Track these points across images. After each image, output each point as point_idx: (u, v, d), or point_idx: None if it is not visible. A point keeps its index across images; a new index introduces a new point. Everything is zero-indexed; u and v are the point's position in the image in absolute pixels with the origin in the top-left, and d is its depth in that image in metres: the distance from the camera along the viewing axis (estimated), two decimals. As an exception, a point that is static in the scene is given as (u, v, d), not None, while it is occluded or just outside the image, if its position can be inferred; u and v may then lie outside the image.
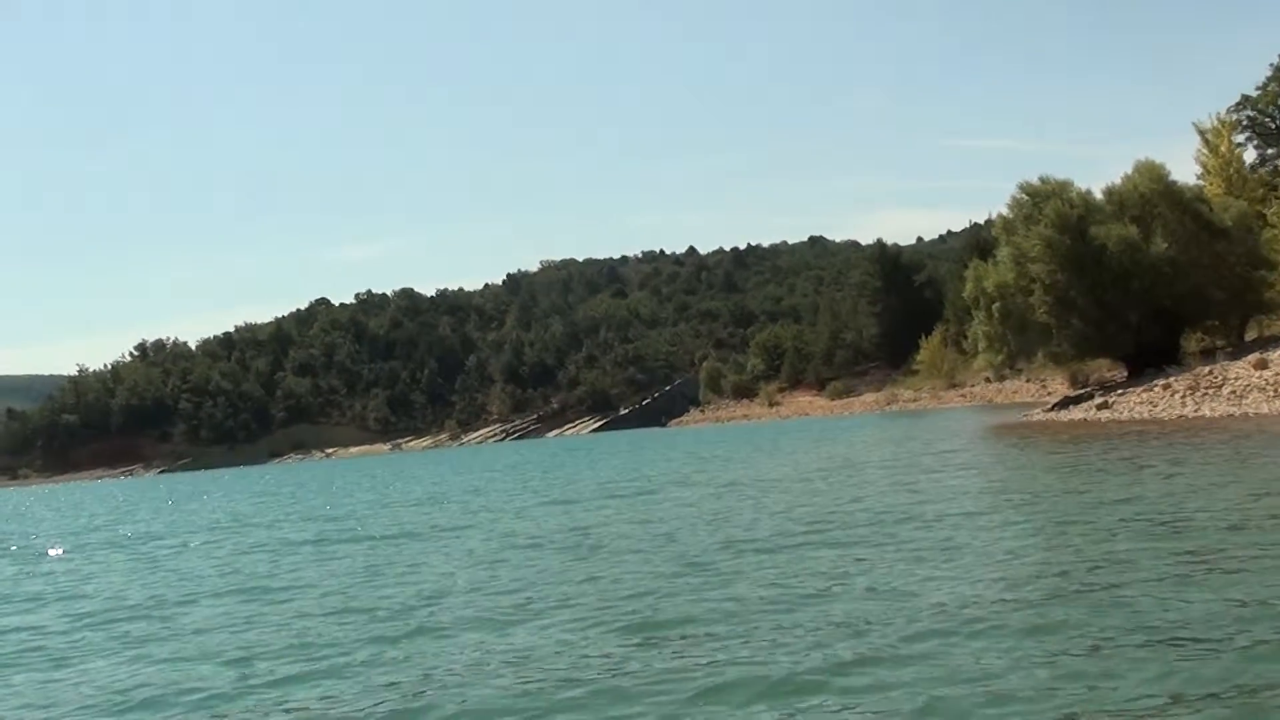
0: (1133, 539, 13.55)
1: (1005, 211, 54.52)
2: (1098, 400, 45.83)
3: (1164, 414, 38.27)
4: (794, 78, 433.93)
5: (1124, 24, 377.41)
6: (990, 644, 9.15)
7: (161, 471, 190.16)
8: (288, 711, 9.28)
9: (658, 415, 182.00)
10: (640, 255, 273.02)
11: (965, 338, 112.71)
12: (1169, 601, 9.98)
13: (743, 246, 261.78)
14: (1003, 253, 52.59)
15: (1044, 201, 51.58)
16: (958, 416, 73.84)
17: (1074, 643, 8.94)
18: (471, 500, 34.00)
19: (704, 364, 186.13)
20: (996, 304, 51.42)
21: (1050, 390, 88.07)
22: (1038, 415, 50.53)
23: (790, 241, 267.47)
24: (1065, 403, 51.18)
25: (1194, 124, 64.59)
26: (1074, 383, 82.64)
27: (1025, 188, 53.14)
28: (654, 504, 25.81)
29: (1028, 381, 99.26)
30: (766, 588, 12.51)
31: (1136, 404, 41.53)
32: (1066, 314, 50.16)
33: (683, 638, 10.42)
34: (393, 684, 9.72)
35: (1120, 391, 46.01)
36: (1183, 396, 39.44)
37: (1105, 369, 68.96)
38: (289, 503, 44.49)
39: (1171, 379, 42.82)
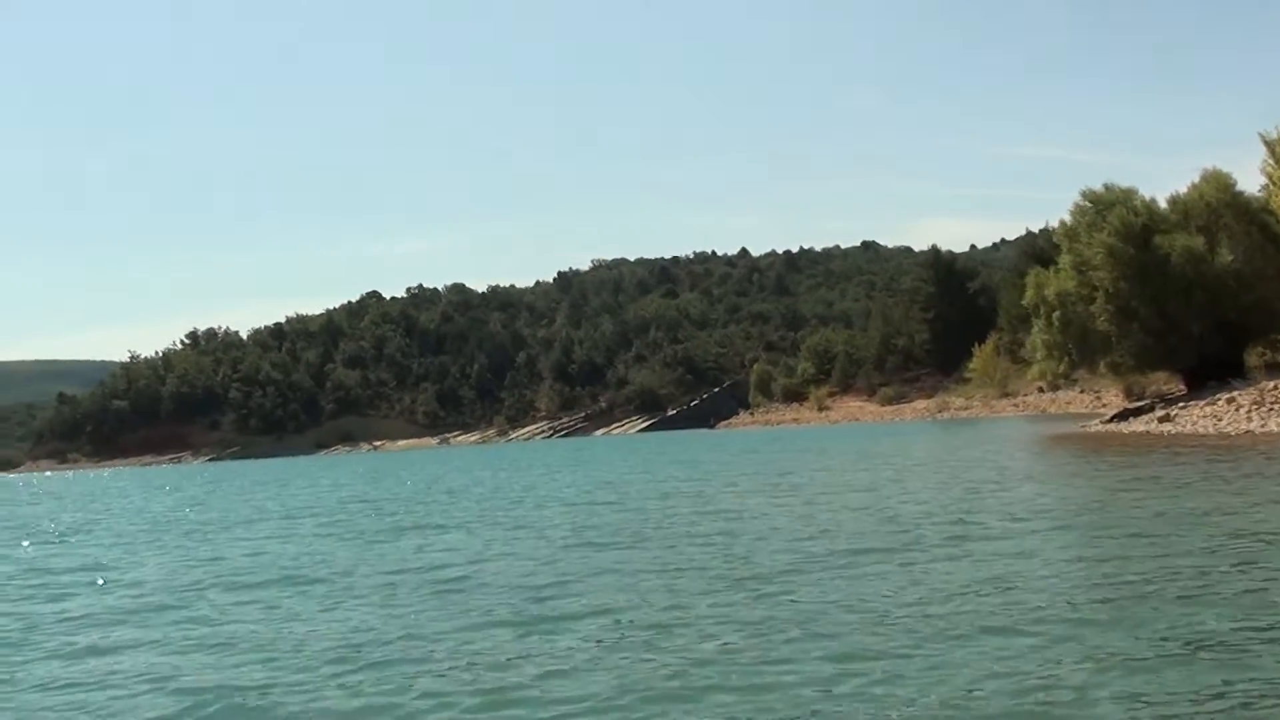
0: (1221, 556, 13.00)
1: (1067, 219, 53.60)
2: (1159, 413, 44.94)
3: (1229, 429, 37.32)
4: (854, 81, 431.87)
5: (1184, 39, 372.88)
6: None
7: (210, 459, 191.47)
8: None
9: (706, 417, 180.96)
10: (692, 255, 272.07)
11: (1019, 346, 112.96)
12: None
13: (795, 249, 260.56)
14: (1064, 260, 51.74)
15: (1107, 209, 50.68)
16: (1013, 426, 72.77)
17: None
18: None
19: (754, 366, 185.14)
20: (1057, 312, 50.60)
21: (1105, 402, 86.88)
22: (1096, 427, 49.65)
23: (843, 246, 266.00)
24: (1125, 415, 50.25)
25: (1260, 134, 63.00)
26: (1129, 395, 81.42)
27: (1088, 195, 52.23)
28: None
29: (1081, 393, 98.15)
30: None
31: (1200, 418, 40.61)
32: (1128, 323, 49.25)
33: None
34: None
35: (1181, 405, 45.08)
36: (1248, 411, 38.50)
37: (1161, 382, 67.86)
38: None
39: (1235, 393, 41.86)
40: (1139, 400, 70.39)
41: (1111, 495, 21.08)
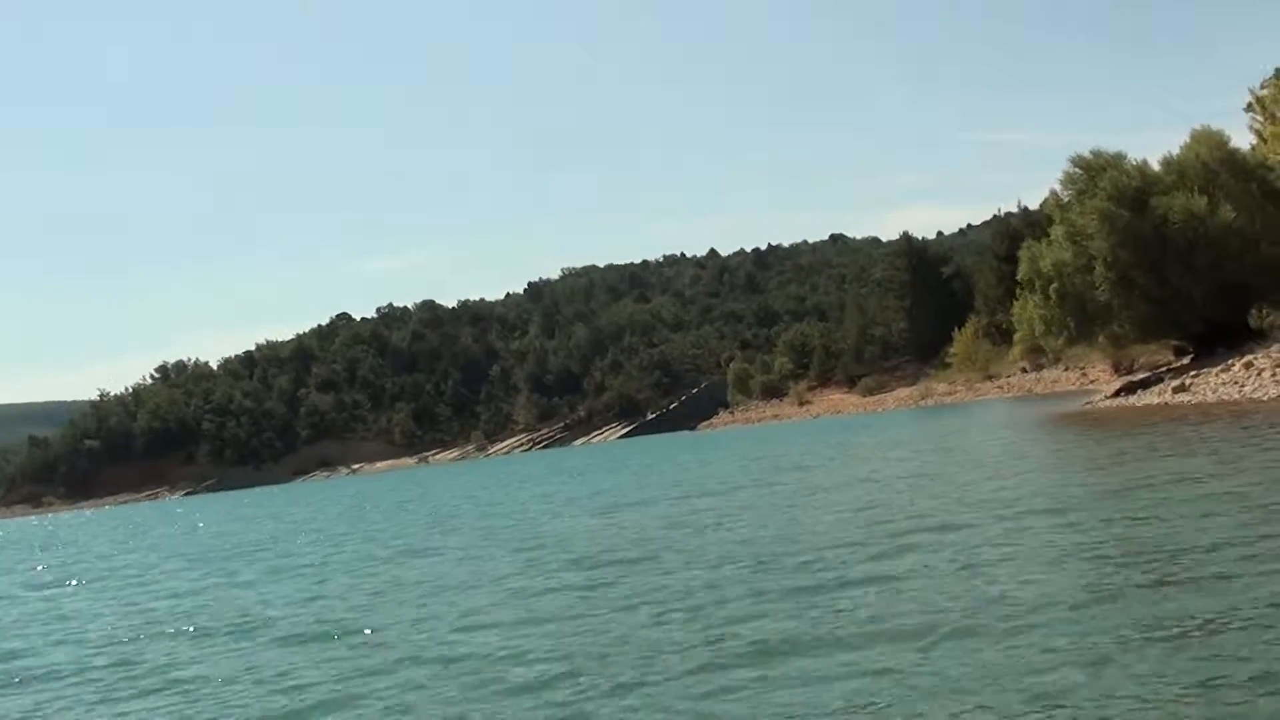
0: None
1: (1057, 188, 51.66)
2: (1172, 383, 42.78)
3: (1258, 394, 35.25)
4: (806, 75, 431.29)
5: (1139, 16, 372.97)
6: None
7: (187, 494, 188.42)
8: None
9: (686, 419, 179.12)
10: (661, 259, 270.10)
11: (998, 329, 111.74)
12: None
13: (763, 247, 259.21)
14: (1056, 231, 49.81)
15: (1098, 175, 48.72)
16: (1004, 408, 70.70)
17: None
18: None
19: (731, 365, 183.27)
20: (1054, 285, 48.53)
21: (1092, 379, 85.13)
22: (1102, 403, 47.62)
23: (810, 240, 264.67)
24: (1131, 388, 48.13)
25: (1250, 90, 61.43)
26: (1117, 370, 79.60)
27: (1077, 161, 50.26)
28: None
29: (1066, 370, 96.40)
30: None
31: (1220, 385, 38.54)
32: (1128, 293, 47.25)
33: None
34: None
35: (1194, 373, 42.98)
36: (1272, 375, 36.43)
37: (1150, 353, 66.08)
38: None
39: (1252, 356, 39.84)
40: (1127, 374, 68.71)
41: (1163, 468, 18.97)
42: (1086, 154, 50.55)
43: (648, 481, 39.68)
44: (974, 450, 32.43)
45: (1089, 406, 48.10)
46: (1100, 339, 50.94)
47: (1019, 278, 52.76)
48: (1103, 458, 24.04)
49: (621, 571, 15.62)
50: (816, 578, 12.79)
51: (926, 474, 25.69)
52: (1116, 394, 48.34)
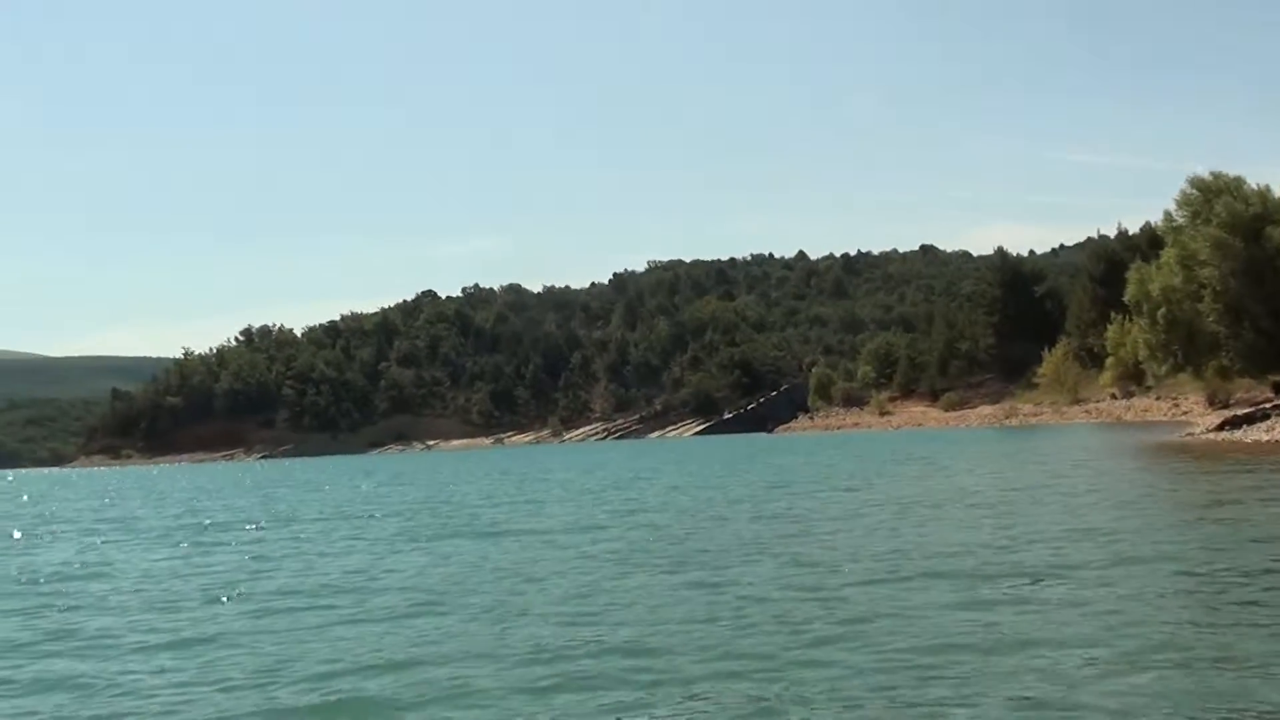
0: None
1: (1171, 208, 49.86)
2: (1282, 420, 41.04)
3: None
4: (910, 86, 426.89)
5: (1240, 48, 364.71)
6: None
7: (263, 457, 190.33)
8: None
9: (763, 421, 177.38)
10: (749, 257, 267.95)
11: (1088, 352, 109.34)
12: None
13: (853, 253, 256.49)
14: (1168, 254, 48.11)
15: (1215, 198, 46.98)
16: (1095, 434, 68.27)
17: None
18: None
19: (813, 370, 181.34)
20: (1161, 310, 46.86)
21: (1184, 410, 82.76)
22: (1204, 435, 45.81)
23: (900, 250, 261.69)
24: (1236, 422, 46.25)
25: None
26: (1211, 403, 77.39)
27: (1195, 183, 48.50)
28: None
29: (1157, 399, 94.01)
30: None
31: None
32: (1237, 323, 45.55)
33: None
34: None
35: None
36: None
37: (1245, 389, 64.05)
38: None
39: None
40: (1222, 408, 66.57)
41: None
42: (1205, 175, 48.92)
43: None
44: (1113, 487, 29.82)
45: (1186, 438, 46.29)
46: (1208, 369, 49.13)
47: (1126, 299, 51.08)
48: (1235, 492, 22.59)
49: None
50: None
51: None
52: (1220, 427, 46.52)
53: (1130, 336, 50.78)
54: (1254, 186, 48.08)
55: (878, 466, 41.29)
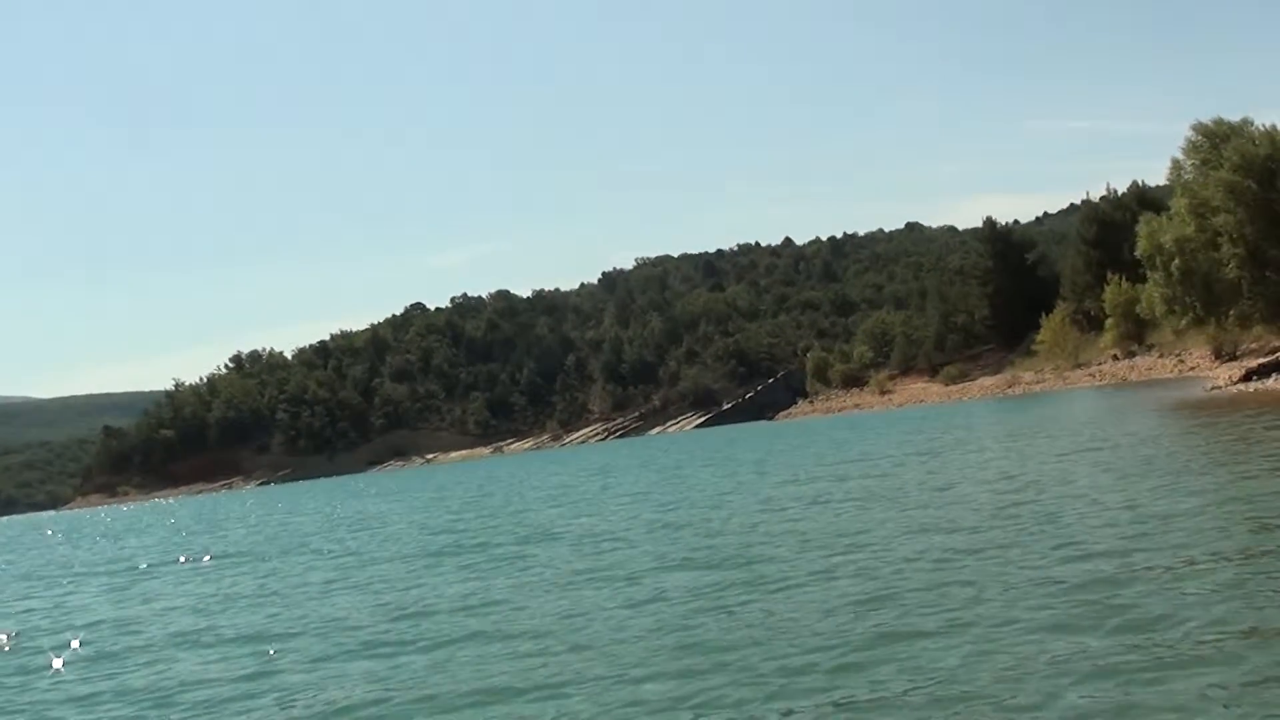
0: None
1: (1179, 156, 48.29)
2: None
3: None
4: (885, 62, 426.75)
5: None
6: None
7: (261, 483, 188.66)
8: None
9: (762, 409, 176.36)
10: (736, 248, 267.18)
11: (1086, 315, 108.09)
12: None
13: (839, 235, 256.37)
14: (1178, 204, 46.67)
15: (1223, 143, 45.58)
16: (1106, 397, 66.23)
17: None
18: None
19: (809, 354, 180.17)
20: (1176, 261, 45.42)
21: (1190, 365, 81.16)
22: (1230, 389, 44.18)
23: (886, 229, 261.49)
24: (1264, 370, 44.68)
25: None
26: (1218, 355, 75.62)
27: (1200, 129, 47.18)
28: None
29: (1161, 357, 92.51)
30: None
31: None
32: (1259, 270, 44.12)
33: None
34: None
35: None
36: None
37: (1252, 339, 62.47)
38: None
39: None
40: (1230, 359, 64.97)
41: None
42: (1208, 121, 47.49)
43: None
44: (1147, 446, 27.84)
45: (1217, 391, 44.58)
46: (1229, 319, 47.54)
47: (1138, 254, 49.61)
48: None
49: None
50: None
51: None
52: (1246, 378, 44.94)
53: (1145, 292, 49.05)
54: (1261, 127, 46.74)
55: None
